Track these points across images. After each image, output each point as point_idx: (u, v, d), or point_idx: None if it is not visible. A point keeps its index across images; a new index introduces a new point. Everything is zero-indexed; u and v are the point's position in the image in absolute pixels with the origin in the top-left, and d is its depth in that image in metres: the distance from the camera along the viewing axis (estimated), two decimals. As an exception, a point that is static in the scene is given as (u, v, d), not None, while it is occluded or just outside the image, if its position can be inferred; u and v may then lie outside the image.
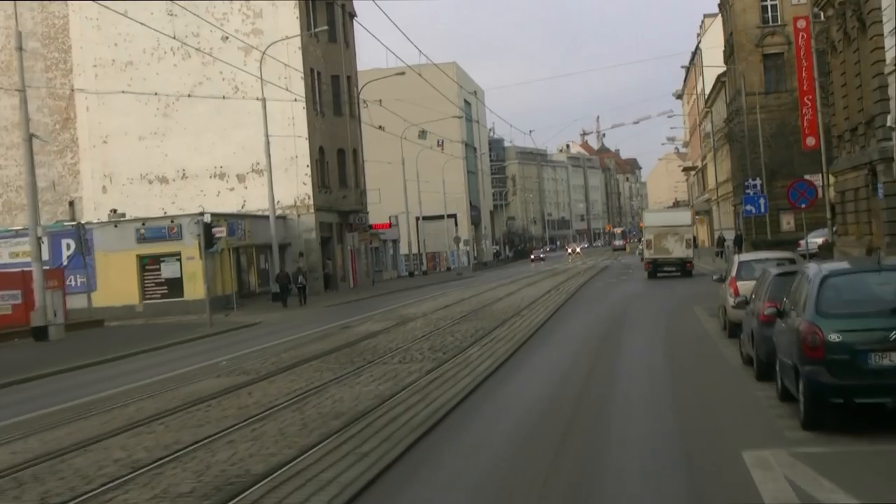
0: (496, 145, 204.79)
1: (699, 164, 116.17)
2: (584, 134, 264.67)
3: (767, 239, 67.32)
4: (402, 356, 20.14)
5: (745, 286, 19.78)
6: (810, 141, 46.32)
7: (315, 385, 16.49)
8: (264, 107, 48.13)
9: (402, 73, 63.99)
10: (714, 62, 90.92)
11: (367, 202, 66.91)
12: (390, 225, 66.82)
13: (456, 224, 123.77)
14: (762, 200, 40.67)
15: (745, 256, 22.20)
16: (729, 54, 76.99)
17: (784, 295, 13.10)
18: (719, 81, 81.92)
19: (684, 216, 54.43)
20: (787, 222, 71.65)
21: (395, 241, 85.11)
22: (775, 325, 12.74)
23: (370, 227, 65.85)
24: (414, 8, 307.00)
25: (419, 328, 26.84)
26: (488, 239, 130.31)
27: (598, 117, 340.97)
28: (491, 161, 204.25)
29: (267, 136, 48.22)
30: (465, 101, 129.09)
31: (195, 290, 42.02)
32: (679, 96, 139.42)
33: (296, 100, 53.10)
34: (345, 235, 59.92)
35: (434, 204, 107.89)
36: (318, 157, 56.25)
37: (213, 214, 46.44)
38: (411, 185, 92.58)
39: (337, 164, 58.75)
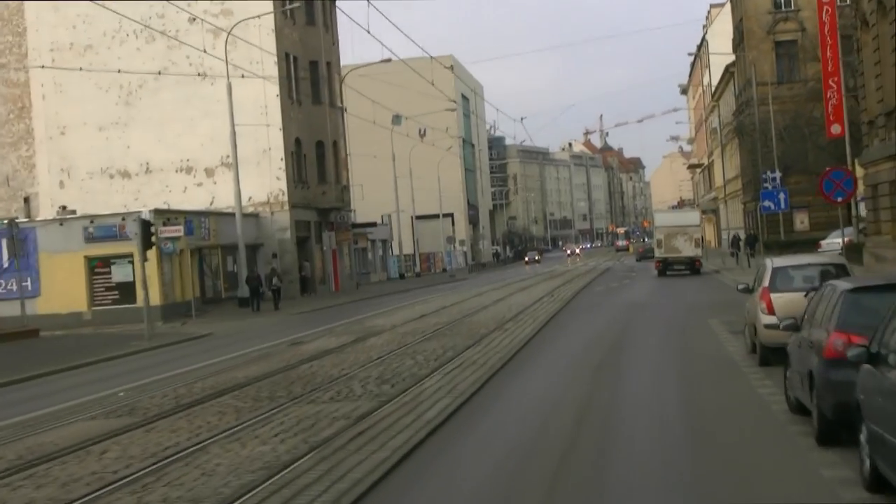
0: (497, 143, 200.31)
1: (705, 160, 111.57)
2: (587, 133, 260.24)
3: (780, 239, 62.78)
4: (338, 389, 15.61)
5: (783, 301, 15.29)
6: (836, 129, 41.66)
7: (196, 441, 11.96)
8: (229, 90, 43.65)
9: (388, 61, 59.42)
10: (722, 52, 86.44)
11: (353, 199, 62.48)
12: (375, 224, 62.12)
13: (453, 223, 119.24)
14: (782, 195, 36.12)
15: (780, 261, 17.55)
16: (738, 42, 72.39)
17: (868, 322, 8.57)
18: (728, 72, 77.36)
19: (693, 217, 55.49)
20: (801, 221, 67.25)
21: (385, 242, 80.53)
22: (863, 373, 8.14)
23: (353, 226, 61.20)
24: (416, 8, 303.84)
25: (379, 346, 22.29)
26: (486, 239, 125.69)
27: (601, 116, 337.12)
28: (491, 159, 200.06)
29: (232, 122, 43.78)
30: (463, 97, 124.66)
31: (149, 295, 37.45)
32: (684, 90, 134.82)
33: (269, 84, 48.62)
34: (324, 235, 55.36)
35: (430, 202, 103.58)
36: (293, 150, 51.73)
37: (163, 211, 42.06)
38: (404, 183, 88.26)
39: (315, 158, 54.18)
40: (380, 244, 78.51)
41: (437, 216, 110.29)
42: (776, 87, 64.89)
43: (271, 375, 18.23)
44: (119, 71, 49.39)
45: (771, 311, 15.26)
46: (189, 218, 42.91)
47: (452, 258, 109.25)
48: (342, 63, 62.32)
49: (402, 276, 79.00)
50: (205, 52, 44.64)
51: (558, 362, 18.14)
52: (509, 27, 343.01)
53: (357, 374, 17.51)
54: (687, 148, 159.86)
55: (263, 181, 50.02)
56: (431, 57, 59.70)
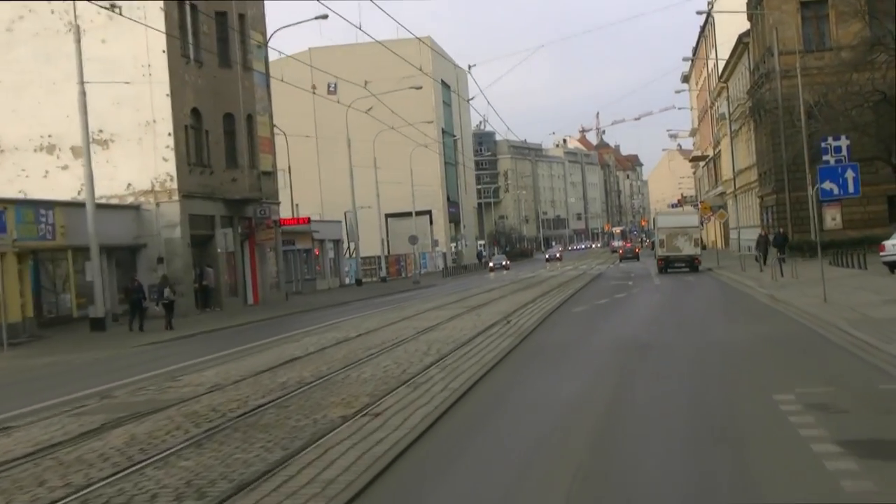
0: (487, 139, 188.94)
1: (710, 152, 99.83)
2: (583, 130, 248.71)
3: (811, 240, 51.08)
4: None
5: None
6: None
7: None
8: (77, 37, 31.97)
9: (325, 17, 47.88)
10: (727, 34, 74.83)
11: (295, 191, 50.97)
12: (309, 220, 50.24)
13: (431, 222, 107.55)
14: (850, 174, 24.20)
15: None
16: (755, 5, 60.77)
17: None
18: (740, 44, 65.63)
19: (693, 218, 57.86)
20: (833, 218, 55.63)
21: (338, 242, 68.68)
22: None
23: (278, 222, 49.40)
24: (415, 6, 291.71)
25: (116, 451, 10.59)
26: (467, 239, 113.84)
27: (597, 113, 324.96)
28: (481, 155, 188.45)
29: (80, 74, 32.13)
30: (444, 83, 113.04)
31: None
32: (686, 78, 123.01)
33: (153, 35, 36.96)
34: (235, 234, 43.61)
35: (405, 199, 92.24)
36: (190, 123, 40.06)
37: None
38: (362, 174, 76.68)
39: (223, 135, 42.51)
40: (331, 245, 66.64)
41: (418, 213, 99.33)
42: (802, 57, 53.10)
43: None
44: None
45: None
46: (19, 208, 31.23)
47: (428, 260, 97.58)
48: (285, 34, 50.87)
49: (359, 283, 67.18)
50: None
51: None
52: (507, 26, 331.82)
53: None
54: (686, 146, 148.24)
55: (146, 163, 38.39)
56: (419, 37, 48.22)
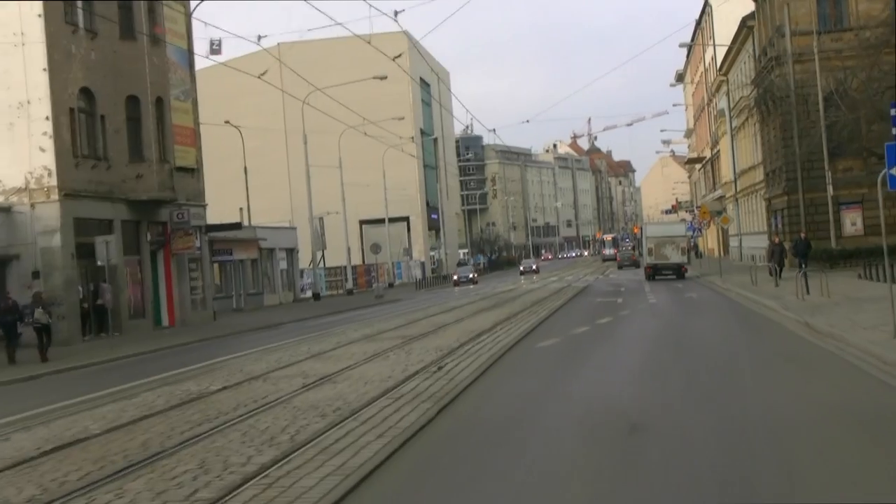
0: (474, 143, 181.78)
1: (708, 153, 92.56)
2: (574, 136, 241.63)
3: (831, 248, 43.76)
4: None
5: None
6: None
7: None
8: None
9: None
10: (727, 21, 67.61)
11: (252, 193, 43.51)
12: (239, 225, 42.47)
13: (408, 229, 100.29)
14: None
15: None
16: (762, -20, 53.53)
17: None
18: (744, 27, 58.27)
19: (679, 228, 59.67)
20: (853, 223, 48.34)
21: (292, 251, 61.12)
22: None
23: (210, 228, 41.89)
24: (407, 17, 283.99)
25: None
26: (446, 247, 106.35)
27: (589, 119, 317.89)
28: (468, 160, 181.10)
29: None
30: (423, 81, 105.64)
31: None
32: (680, 77, 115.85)
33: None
34: (142, 242, 36.14)
35: (381, 203, 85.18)
36: (78, 105, 32.57)
37: None
38: (333, 176, 69.74)
39: (126, 122, 35.04)
40: (283, 255, 59.14)
41: (393, 220, 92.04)
42: (819, 37, 45.76)
43: None
44: None
45: None
46: None
47: (403, 270, 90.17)
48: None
49: (317, 297, 59.65)
50: None
51: None
52: (499, 35, 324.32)
53: None
54: (680, 151, 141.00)
55: (19, 154, 30.90)
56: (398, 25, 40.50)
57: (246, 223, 61.03)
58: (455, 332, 25.08)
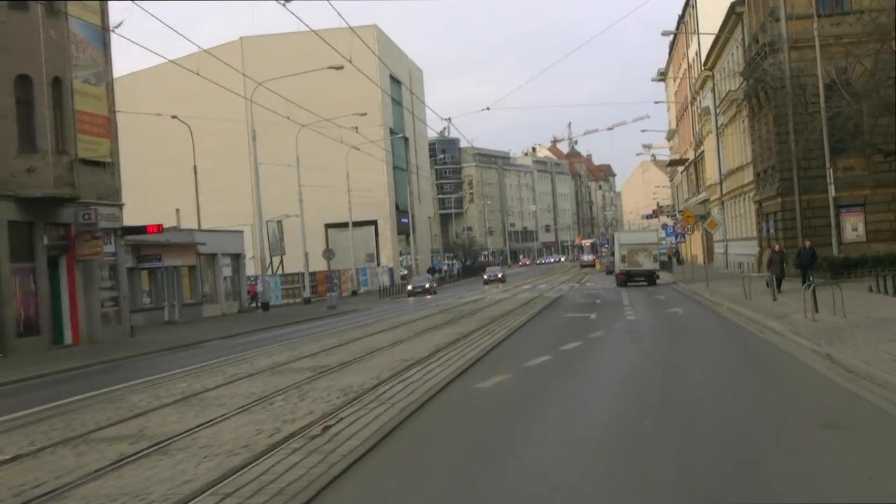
0: (450, 146, 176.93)
1: (691, 154, 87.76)
2: (554, 140, 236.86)
3: (833, 257, 38.80)
4: None
5: None
6: None
7: None
8: None
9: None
10: (711, 14, 62.84)
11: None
12: (160, 229, 37.07)
13: (377, 233, 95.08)
14: None
15: None
16: (754, -39, 48.65)
17: None
18: (733, 14, 53.41)
19: (652, 236, 60.67)
20: (854, 228, 43.55)
21: (238, 257, 55.76)
22: None
23: (126, 230, 36.55)
24: (388, 20, 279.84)
25: None
26: (417, 253, 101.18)
27: (569, 123, 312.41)
28: (444, 163, 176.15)
29: None
30: (393, 79, 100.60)
31: None
32: (662, 76, 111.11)
33: None
34: (37, 246, 30.83)
35: (346, 207, 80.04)
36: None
37: None
38: (287, 177, 64.91)
39: (14, 106, 29.76)
40: (227, 261, 53.83)
41: (359, 223, 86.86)
42: (815, 24, 40.81)
43: None
44: None
45: None
46: None
47: (369, 277, 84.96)
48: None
49: (266, 307, 54.36)
50: None
51: None
52: (481, 41, 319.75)
53: None
54: (661, 156, 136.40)
55: None
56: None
57: (194, 226, 55.93)
58: (383, 361, 19.94)
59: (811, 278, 26.50)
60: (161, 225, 37.32)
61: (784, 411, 11.73)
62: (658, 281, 54.78)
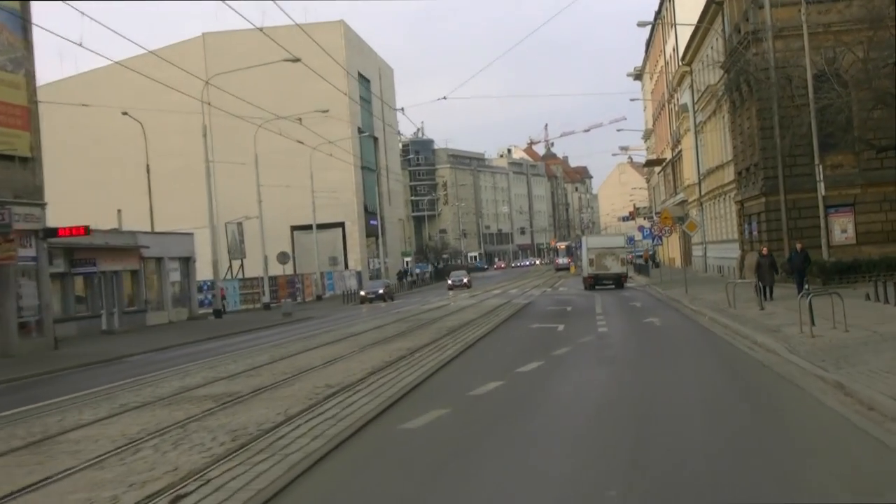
0: (424, 147, 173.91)
1: (668, 154, 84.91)
2: (531, 142, 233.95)
3: (824, 261, 35.75)
4: None
5: None
6: None
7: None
8: None
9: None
10: (689, 12, 59.86)
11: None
12: (86, 231, 33.56)
13: (344, 236, 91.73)
14: None
15: None
16: (735, -55, 45.67)
17: None
18: (713, 4, 50.44)
19: (619, 240, 61.40)
20: (843, 229, 40.56)
21: (188, 261, 52.29)
22: None
23: (47, 232, 33.05)
24: (365, 22, 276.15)
25: None
26: (387, 256, 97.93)
27: (546, 125, 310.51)
28: (418, 164, 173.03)
29: None
30: (362, 76, 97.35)
31: None
32: (638, 73, 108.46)
33: None
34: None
35: (319, 209, 76.91)
36: None
37: None
38: (240, 176, 61.85)
39: None
40: (176, 264, 50.41)
41: (324, 226, 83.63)
42: (802, 10, 37.79)
43: None
44: None
45: None
46: None
47: (335, 281, 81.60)
48: None
49: (218, 314, 50.94)
50: None
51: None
52: (457, 42, 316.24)
53: None
54: (638, 158, 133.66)
55: None
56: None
57: (147, 229, 52.56)
58: (304, 387, 16.70)
59: (807, 286, 23.38)
60: (86, 227, 33.83)
61: (800, 479, 8.55)
62: (630, 284, 55.44)
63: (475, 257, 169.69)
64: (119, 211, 48.20)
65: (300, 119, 64.73)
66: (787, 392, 13.38)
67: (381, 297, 62.96)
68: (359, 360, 20.89)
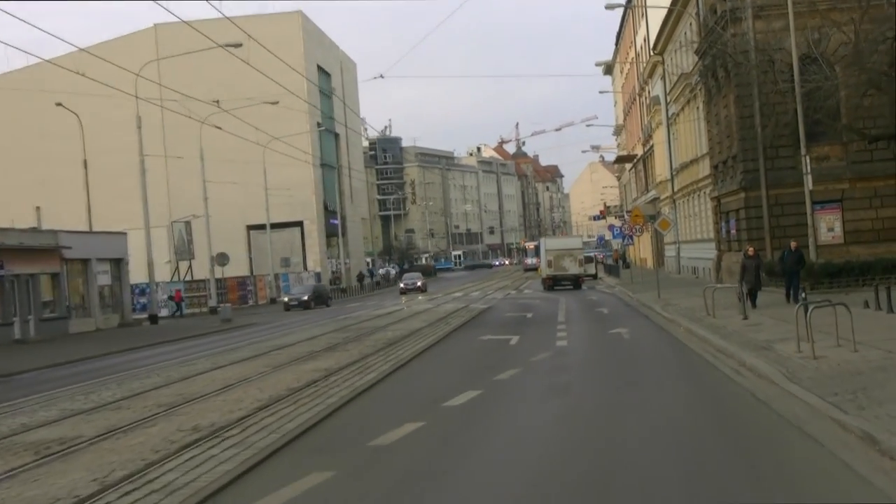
0: (391, 145, 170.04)
1: (640, 150, 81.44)
2: (502, 142, 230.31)
3: (812, 263, 32.08)
4: None
5: None
6: None
7: None
8: None
9: None
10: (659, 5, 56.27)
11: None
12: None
13: (303, 236, 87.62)
14: None
15: None
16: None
17: None
18: (686, -13, 46.86)
19: (577, 241, 62.61)
20: (830, 227, 36.92)
21: (120, 262, 48.10)
22: None
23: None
24: (340, 19, 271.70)
25: None
26: (348, 256, 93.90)
27: (517, 124, 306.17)
28: (385, 163, 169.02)
29: None
30: (322, 70, 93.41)
31: None
32: (608, 69, 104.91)
33: None
34: None
35: (274, 206, 73.01)
36: None
37: None
38: (192, 173, 57.92)
39: None
40: (107, 267, 46.30)
41: (282, 225, 79.71)
42: (785, -12, 34.12)
43: None
44: None
45: None
46: None
47: (291, 283, 77.49)
48: None
49: (154, 320, 46.87)
50: None
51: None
52: (427, 44, 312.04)
53: None
54: (610, 157, 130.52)
55: None
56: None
57: (84, 228, 48.52)
58: (165, 430, 12.86)
59: (803, 292, 19.71)
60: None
61: None
62: (598, 286, 55.95)
63: (458, 256, 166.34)
64: (38, 208, 44.14)
65: (246, 108, 60.62)
66: (798, 449, 9.65)
67: (306, 304, 55.83)
68: (259, 387, 17.05)
